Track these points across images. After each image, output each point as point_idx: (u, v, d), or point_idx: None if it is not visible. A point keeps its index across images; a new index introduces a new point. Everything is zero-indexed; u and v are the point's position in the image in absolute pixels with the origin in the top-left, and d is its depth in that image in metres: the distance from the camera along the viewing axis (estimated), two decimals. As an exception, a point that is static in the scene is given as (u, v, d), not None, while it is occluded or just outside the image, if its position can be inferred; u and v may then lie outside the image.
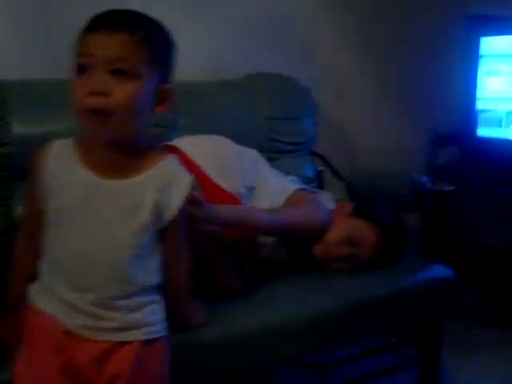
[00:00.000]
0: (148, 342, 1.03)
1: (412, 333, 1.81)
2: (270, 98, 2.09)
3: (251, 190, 1.62)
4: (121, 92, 0.93)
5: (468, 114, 2.47)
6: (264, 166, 1.73)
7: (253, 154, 1.74)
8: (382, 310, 1.56)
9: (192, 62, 2.13)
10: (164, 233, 1.04)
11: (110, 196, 0.99)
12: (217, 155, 1.60)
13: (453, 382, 1.96)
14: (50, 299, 1.01)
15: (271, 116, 2.07)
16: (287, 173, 1.94)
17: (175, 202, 1.02)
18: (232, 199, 1.53)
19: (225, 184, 1.54)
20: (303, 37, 2.39)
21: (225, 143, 1.69)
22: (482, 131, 2.44)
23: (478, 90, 2.43)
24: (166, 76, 1.04)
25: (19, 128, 1.66)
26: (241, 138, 1.86)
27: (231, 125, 1.98)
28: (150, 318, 1.04)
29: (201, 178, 1.51)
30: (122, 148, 0.99)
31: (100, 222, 0.99)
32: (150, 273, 1.04)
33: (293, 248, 1.63)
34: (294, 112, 2.12)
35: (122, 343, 1.00)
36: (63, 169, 1.01)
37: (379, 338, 1.87)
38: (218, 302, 1.34)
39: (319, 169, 2.20)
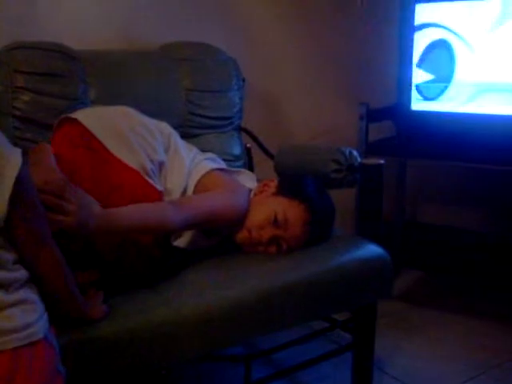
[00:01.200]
0: (20, 349, 0.88)
1: (345, 317, 1.71)
2: (191, 68, 1.93)
3: (160, 165, 1.48)
4: None
5: (403, 88, 2.39)
6: (176, 140, 1.59)
7: (162, 126, 1.60)
8: (311, 294, 1.43)
9: (103, 30, 1.98)
10: (6, 229, 0.89)
11: None
12: (119, 128, 1.45)
13: (387, 365, 1.90)
14: None
15: (193, 88, 1.92)
16: (211, 150, 1.81)
17: (1, 203, 0.86)
18: (135, 175, 1.38)
19: (128, 159, 1.39)
20: (228, 5, 2.24)
21: (129, 114, 1.53)
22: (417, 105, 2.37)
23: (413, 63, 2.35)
24: None
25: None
26: (159, 113, 1.73)
27: (148, 98, 1.83)
28: (17, 321, 0.88)
29: (98, 150, 1.39)
30: None
31: None
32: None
33: (212, 235, 1.50)
34: (218, 84, 1.96)
35: None
36: None
37: (310, 324, 1.76)
38: (124, 292, 1.19)
39: (247, 146, 2.06)
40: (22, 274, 0.91)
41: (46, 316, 0.94)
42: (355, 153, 1.69)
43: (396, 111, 2.45)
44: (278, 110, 2.42)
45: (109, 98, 1.73)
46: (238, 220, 1.47)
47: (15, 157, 0.88)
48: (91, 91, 1.73)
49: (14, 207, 0.87)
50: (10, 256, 0.90)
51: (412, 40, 2.35)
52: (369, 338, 1.67)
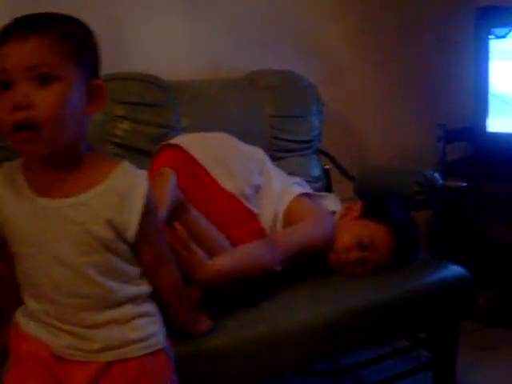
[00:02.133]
0: (145, 357, 0.97)
1: (426, 335, 1.74)
2: (274, 95, 2.03)
3: (257, 188, 1.57)
4: (45, 100, 0.87)
5: (479, 108, 2.40)
6: (269, 165, 1.68)
7: (258, 152, 1.69)
8: (395, 314, 1.49)
9: (192, 62, 2.11)
10: (135, 247, 0.98)
11: (61, 216, 0.93)
12: (220, 154, 1.55)
13: (467, 383, 1.90)
14: (34, 322, 0.97)
15: (276, 114, 2.01)
16: (293, 172, 1.89)
17: (132, 221, 0.95)
18: (231, 198, 1.48)
19: (227, 184, 1.49)
20: (308, 34, 2.34)
21: (228, 141, 1.63)
22: (493, 125, 2.37)
23: (489, 84, 2.37)
24: (93, 71, 0.97)
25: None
26: (245, 137, 1.81)
27: (234, 124, 1.92)
28: (142, 333, 0.98)
29: (201, 176, 1.48)
30: (64, 162, 0.93)
31: (58, 245, 0.93)
32: (126, 284, 0.98)
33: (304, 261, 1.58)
34: (300, 110, 2.06)
35: (115, 362, 0.95)
36: (10, 195, 0.96)
37: (393, 342, 1.80)
38: (226, 309, 1.29)
39: (326, 167, 2.14)
40: (146, 288, 1.01)
41: (164, 328, 1.03)
42: (437, 175, 1.73)
43: (472, 132, 2.46)
44: (356, 132, 2.48)
45: (199, 125, 1.83)
46: (326, 246, 1.55)
47: (143, 181, 0.97)
48: (183, 119, 1.85)
49: (141, 227, 0.96)
50: (136, 271, 0.99)
51: (487, 63, 2.37)
52: (450, 357, 1.69)
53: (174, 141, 1.58)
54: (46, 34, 0.88)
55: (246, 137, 1.85)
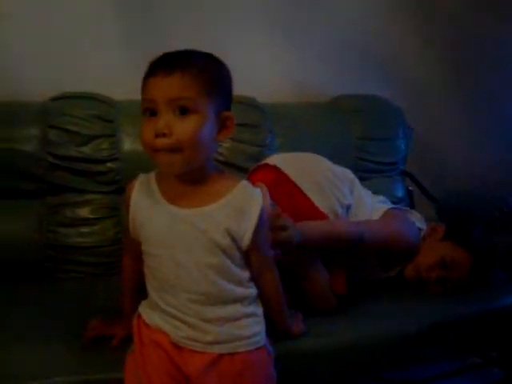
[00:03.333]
0: (250, 352, 1.10)
1: (498, 353, 1.79)
2: (361, 118, 2.15)
3: (348, 208, 1.66)
4: (183, 130, 1.00)
5: None
6: (358, 185, 1.76)
7: (348, 173, 1.77)
8: (470, 331, 1.56)
9: (282, 84, 2.24)
10: (247, 253, 1.12)
11: (188, 224, 1.07)
12: (313, 174, 1.65)
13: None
14: (157, 313, 1.11)
15: (363, 136, 2.12)
16: (377, 193, 1.97)
17: (248, 231, 1.08)
18: (322, 217, 1.55)
19: (320, 202, 1.58)
20: (392, 58, 2.43)
21: (320, 162, 1.73)
22: None
23: None
24: (225, 103, 1.08)
25: (128, 144, 1.81)
26: (332, 158, 1.91)
27: (323, 144, 2.03)
28: (248, 331, 1.10)
29: (295, 195, 1.58)
30: (194, 178, 1.08)
31: (184, 247, 1.07)
32: (237, 286, 1.11)
33: (387, 270, 1.67)
34: (386, 133, 2.16)
35: (224, 354, 1.08)
36: (147, 202, 1.10)
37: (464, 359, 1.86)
38: (313, 316, 1.40)
39: (409, 188, 2.22)
40: (253, 290, 1.14)
41: (265, 328, 1.16)
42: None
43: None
44: (438, 153, 2.53)
45: (290, 146, 1.97)
46: (409, 252, 1.63)
47: (258, 195, 1.11)
48: (277, 139, 2.00)
49: (253, 236, 1.09)
50: (246, 275, 1.13)
51: None
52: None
53: (269, 161, 1.70)
54: (187, 70, 1.02)
55: (333, 157, 1.95)
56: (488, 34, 2.55)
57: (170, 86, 1.00)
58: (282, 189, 1.55)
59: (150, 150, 1.02)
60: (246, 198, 1.09)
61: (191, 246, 1.07)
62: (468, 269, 1.61)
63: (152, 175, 1.13)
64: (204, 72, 1.04)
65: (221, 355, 1.08)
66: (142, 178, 1.14)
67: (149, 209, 1.10)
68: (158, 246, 1.09)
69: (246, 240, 1.09)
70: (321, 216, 1.54)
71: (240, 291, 1.11)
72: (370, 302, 1.54)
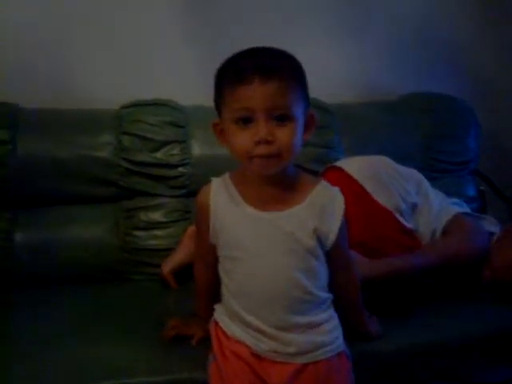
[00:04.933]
0: (332, 358, 1.09)
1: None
2: (430, 117, 2.11)
3: (413, 206, 1.66)
4: (284, 137, 1.01)
5: None
6: (426, 185, 1.75)
7: (415, 173, 1.77)
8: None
9: (349, 84, 2.24)
10: (329, 253, 1.11)
11: (273, 227, 1.07)
12: (375, 172, 1.66)
13: None
14: (236, 324, 1.11)
15: (432, 136, 2.09)
16: (448, 192, 1.94)
17: (333, 229, 1.08)
18: (387, 214, 1.58)
19: (382, 199, 1.60)
20: (463, 56, 2.37)
21: (386, 163, 1.73)
22: None
23: None
24: (308, 101, 1.07)
25: (198, 149, 1.84)
26: (401, 158, 1.90)
27: (391, 144, 2.02)
28: (329, 337, 1.10)
29: (358, 192, 1.60)
30: (276, 178, 1.07)
31: (270, 251, 1.07)
32: (320, 289, 1.10)
33: (458, 275, 1.64)
34: (457, 131, 2.12)
35: (307, 364, 1.08)
36: (227, 206, 1.10)
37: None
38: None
39: (481, 188, 2.17)
40: (331, 294, 1.14)
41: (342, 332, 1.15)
42: None
43: None
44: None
45: (358, 147, 1.97)
46: (475, 260, 1.60)
47: (340, 195, 1.11)
48: (344, 140, 1.99)
49: (338, 234, 1.10)
50: (327, 276, 1.12)
51: None
52: None
53: (337, 163, 1.73)
54: (283, 77, 1.00)
55: (401, 157, 1.93)
56: None
57: (268, 95, 0.99)
58: (348, 188, 1.55)
59: (248, 157, 1.03)
60: (329, 196, 1.10)
61: (278, 249, 1.07)
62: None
63: (227, 179, 1.13)
64: (295, 76, 1.04)
65: (305, 365, 1.07)
66: (217, 181, 1.13)
67: (230, 212, 1.09)
68: (241, 249, 1.08)
69: (332, 238, 1.09)
70: (383, 212, 1.57)
71: (324, 295, 1.11)
72: (439, 306, 1.51)
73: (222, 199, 1.11)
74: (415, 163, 2.01)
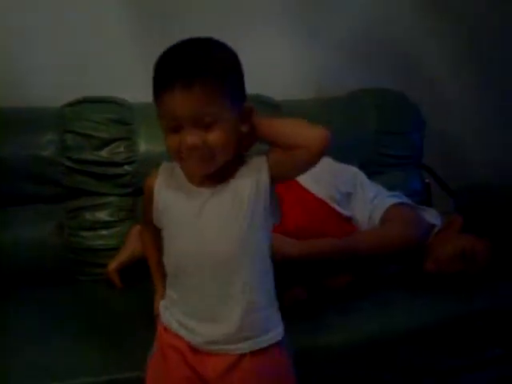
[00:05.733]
0: (270, 348, 1.07)
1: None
2: (377, 113, 2.14)
3: (347, 195, 1.73)
4: (215, 140, 0.97)
5: None
6: (362, 177, 1.83)
7: (351, 167, 1.85)
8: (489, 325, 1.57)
9: (297, 80, 2.24)
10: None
11: (217, 199, 1.03)
12: None
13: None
14: (173, 320, 1.09)
15: (379, 131, 2.12)
16: (394, 185, 1.98)
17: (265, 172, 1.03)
18: (320, 202, 1.66)
19: (314, 189, 1.68)
20: (407, 52, 2.41)
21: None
22: None
23: None
24: (242, 94, 1.02)
25: (144, 147, 1.82)
26: (349, 154, 1.93)
27: (339, 139, 2.00)
28: (267, 324, 1.08)
29: (293, 185, 1.65)
30: (217, 170, 1.04)
31: (213, 223, 1.03)
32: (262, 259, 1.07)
33: (402, 264, 1.67)
34: (403, 127, 2.16)
35: (244, 355, 1.05)
36: (171, 187, 1.07)
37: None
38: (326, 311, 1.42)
39: (426, 181, 2.21)
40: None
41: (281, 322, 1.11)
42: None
43: None
44: (456, 147, 2.52)
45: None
46: (413, 248, 1.63)
47: (263, 157, 1.05)
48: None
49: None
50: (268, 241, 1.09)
51: None
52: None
53: None
54: (207, 80, 0.95)
55: (351, 152, 1.98)
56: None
57: (192, 103, 0.95)
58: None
59: (179, 158, 1.01)
60: (258, 158, 1.04)
61: (220, 220, 1.03)
62: (488, 261, 1.60)
63: (173, 164, 1.09)
64: (224, 74, 0.98)
65: (241, 356, 1.05)
66: (165, 165, 1.11)
67: (174, 192, 1.07)
68: (184, 227, 1.05)
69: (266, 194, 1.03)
70: (317, 201, 1.66)
71: (266, 263, 1.07)
72: (384, 295, 1.55)
73: (166, 181, 1.08)
74: (363, 157, 2.05)
